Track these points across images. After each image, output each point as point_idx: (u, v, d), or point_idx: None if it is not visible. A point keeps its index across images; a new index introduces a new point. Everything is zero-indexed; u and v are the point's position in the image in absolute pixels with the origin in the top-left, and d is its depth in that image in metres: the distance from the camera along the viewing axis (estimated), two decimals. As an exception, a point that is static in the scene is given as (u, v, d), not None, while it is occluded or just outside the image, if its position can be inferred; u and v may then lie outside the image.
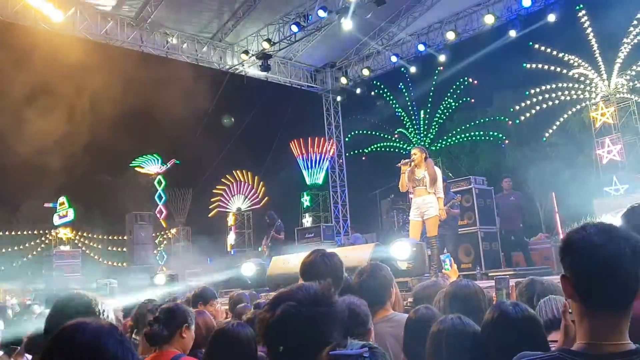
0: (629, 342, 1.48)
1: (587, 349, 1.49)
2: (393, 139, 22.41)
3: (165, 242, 20.83)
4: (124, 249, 18.83)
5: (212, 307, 4.82)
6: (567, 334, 1.85)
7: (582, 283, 1.50)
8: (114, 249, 20.15)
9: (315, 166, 21.68)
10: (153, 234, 18.36)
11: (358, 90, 19.53)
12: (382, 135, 22.62)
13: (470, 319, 2.64)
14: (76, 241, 19.20)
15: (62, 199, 18.62)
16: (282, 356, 1.67)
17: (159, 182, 21.08)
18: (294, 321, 1.65)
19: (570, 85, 15.98)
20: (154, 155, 20.85)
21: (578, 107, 16.60)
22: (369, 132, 22.43)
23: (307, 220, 20.54)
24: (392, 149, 22.12)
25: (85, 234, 20.08)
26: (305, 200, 21.29)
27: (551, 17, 14.04)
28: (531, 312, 2.30)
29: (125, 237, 18.69)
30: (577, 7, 14.47)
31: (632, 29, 14.40)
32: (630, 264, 1.47)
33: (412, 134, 21.80)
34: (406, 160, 8.13)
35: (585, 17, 14.45)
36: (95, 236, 20.19)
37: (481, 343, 2.23)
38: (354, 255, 7.64)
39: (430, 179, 7.93)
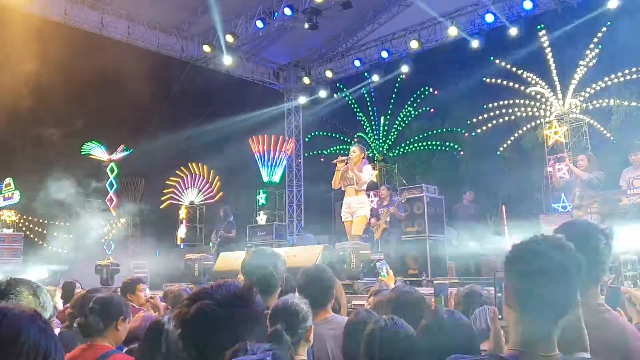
0: (558, 352, 1.54)
1: (518, 356, 1.53)
2: (352, 142, 22.49)
3: (113, 231, 20.37)
4: (71, 236, 18.34)
5: (140, 292, 4.73)
6: (496, 340, 1.88)
7: (527, 292, 1.55)
8: (60, 235, 19.59)
9: (273, 164, 21.54)
10: (101, 222, 17.94)
11: (321, 92, 19.58)
12: (341, 138, 22.70)
13: (412, 324, 2.66)
14: (20, 225, 18.59)
15: (8, 180, 17.99)
16: (196, 353, 1.65)
17: (111, 170, 20.57)
18: (208, 320, 1.63)
19: (527, 102, 16.34)
20: (96, 142, 20.27)
21: (533, 124, 16.99)
22: (329, 134, 22.47)
23: (262, 218, 20.39)
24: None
25: (30, 218, 19.45)
26: (261, 197, 21.12)
27: (513, 31, 14.41)
28: (465, 321, 2.32)
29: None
30: (538, 27, 14.82)
31: (589, 51, 14.82)
32: (574, 278, 1.55)
33: (371, 139, 21.92)
34: (343, 158, 8.08)
35: (545, 37, 14.80)
36: (40, 221, 19.57)
37: (414, 346, 2.24)
38: (303, 255, 7.64)
39: (355, 178, 7.90)
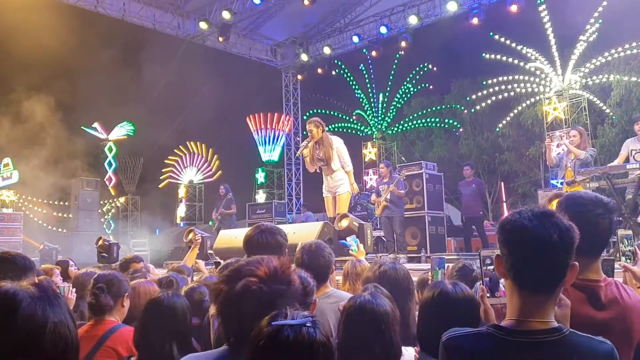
0: (553, 321, 1.57)
1: (515, 325, 1.57)
2: (351, 120, 22.42)
3: (113, 210, 20.39)
4: (70, 215, 18.35)
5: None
6: (486, 317, 1.88)
7: (512, 263, 1.58)
8: (60, 214, 19.59)
9: (271, 142, 21.49)
10: (100, 202, 17.94)
11: (319, 69, 19.43)
12: (340, 115, 22.60)
13: (400, 299, 2.66)
14: (19, 204, 18.57)
15: (7, 160, 17.93)
16: (238, 329, 1.68)
17: (110, 149, 20.51)
18: (254, 297, 1.66)
19: (526, 78, 16.26)
20: (85, 127, 20.11)
21: (532, 100, 16.94)
22: (327, 112, 22.35)
23: (261, 197, 20.44)
24: (349, 130, 22.15)
25: (29, 198, 19.43)
26: (260, 176, 21.12)
27: (514, 8, 14.20)
28: (469, 292, 2.32)
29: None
30: (538, 2, 14.67)
31: (589, 26, 14.69)
32: (558, 249, 1.55)
33: (370, 117, 21.83)
34: (304, 144, 7.83)
35: (545, 12, 14.66)
36: (40, 200, 19.56)
37: (387, 322, 2.21)
38: (302, 231, 7.63)
39: (326, 158, 7.65)
